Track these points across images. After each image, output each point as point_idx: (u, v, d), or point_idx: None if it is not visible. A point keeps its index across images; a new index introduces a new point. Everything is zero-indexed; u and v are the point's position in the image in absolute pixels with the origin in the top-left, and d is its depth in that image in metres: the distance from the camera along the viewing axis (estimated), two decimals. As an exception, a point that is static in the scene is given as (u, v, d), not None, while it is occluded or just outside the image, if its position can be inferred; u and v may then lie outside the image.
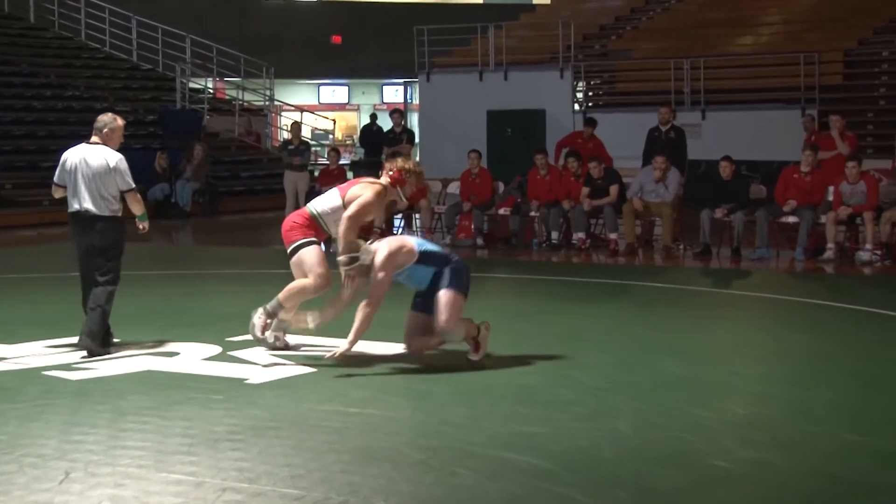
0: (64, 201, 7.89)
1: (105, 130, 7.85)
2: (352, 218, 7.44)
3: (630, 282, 12.06)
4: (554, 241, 14.95)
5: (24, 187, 19.84)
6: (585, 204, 14.66)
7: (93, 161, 7.75)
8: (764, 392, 6.82)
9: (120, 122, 7.93)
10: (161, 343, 8.14)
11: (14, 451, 5.40)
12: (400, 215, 16.81)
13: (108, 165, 7.71)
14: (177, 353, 7.82)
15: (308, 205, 7.79)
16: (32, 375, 7.13)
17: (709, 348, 8.31)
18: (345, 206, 7.53)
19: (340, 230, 7.44)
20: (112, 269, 7.78)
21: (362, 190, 7.56)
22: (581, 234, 14.73)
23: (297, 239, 7.56)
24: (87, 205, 7.71)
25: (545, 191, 15.25)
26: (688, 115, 19.65)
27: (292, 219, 7.70)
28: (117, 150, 7.85)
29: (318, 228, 7.64)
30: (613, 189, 14.71)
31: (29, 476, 5.01)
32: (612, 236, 14.57)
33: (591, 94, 23.43)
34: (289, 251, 7.60)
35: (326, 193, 7.87)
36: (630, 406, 6.32)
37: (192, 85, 26.15)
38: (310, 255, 7.51)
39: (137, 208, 7.85)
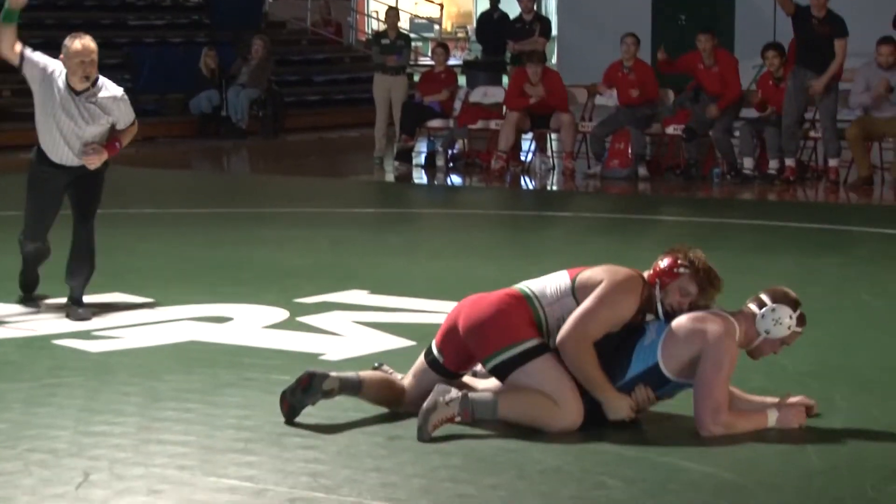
0: None
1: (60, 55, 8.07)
2: (585, 320, 5.81)
3: (856, 228, 11.89)
4: (747, 172, 14.75)
5: (26, 94, 20.28)
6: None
7: None
8: None
9: (75, 44, 7.93)
10: (208, 305, 8.30)
11: (18, 444, 5.57)
12: (530, 135, 16.79)
13: None
14: (229, 319, 7.98)
15: (522, 283, 6.01)
16: (39, 345, 7.35)
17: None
18: (576, 294, 5.88)
19: (569, 343, 5.79)
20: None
21: (609, 275, 5.88)
22: (789, 161, 14.43)
23: (510, 341, 5.76)
24: None
25: (712, 84, 14.99)
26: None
27: (499, 301, 5.88)
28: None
29: (534, 324, 5.87)
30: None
31: (37, 478, 5.17)
32: (832, 163, 14.32)
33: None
34: (492, 363, 5.81)
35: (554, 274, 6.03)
36: (850, 400, 6.27)
37: (248, -44, 26.35)
38: (551, 376, 5.74)
39: None
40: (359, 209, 13.76)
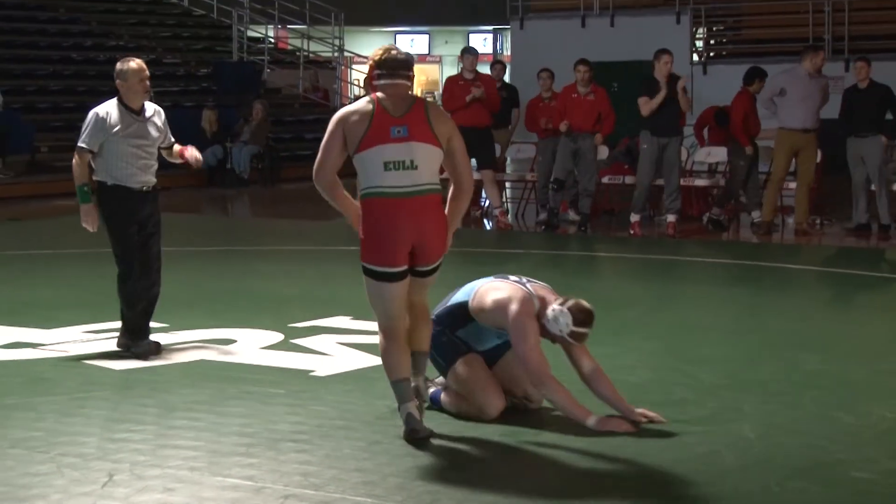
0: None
1: (117, 81, 7.46)
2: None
3: (763, 263, 11.95)
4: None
5: (61, 150, 20.23)
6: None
7: None
8: (917, 394, 6.72)
9: (131, 64, 7.37)
10: (214, 329, 8.26)
11: (51, 449, 5.54)
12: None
13: None
14: (232, 342, 7.94)
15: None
16: (71, 365, 7.30)
17: (855, 341, 8.20)
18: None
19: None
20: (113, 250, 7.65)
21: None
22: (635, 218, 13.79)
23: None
24: None
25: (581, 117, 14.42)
26: (828, 67, 19.29)
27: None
28: (136, 103, 7.45)
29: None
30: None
31: (68, 478, 5.15)
32: (671, 219, 13.75)
33: (712, 42, 23.13)
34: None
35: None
36: (757, 408, 6.27)
37: (250, 33, 26.41)
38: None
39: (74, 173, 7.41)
40: (343, 247, 13.70)
